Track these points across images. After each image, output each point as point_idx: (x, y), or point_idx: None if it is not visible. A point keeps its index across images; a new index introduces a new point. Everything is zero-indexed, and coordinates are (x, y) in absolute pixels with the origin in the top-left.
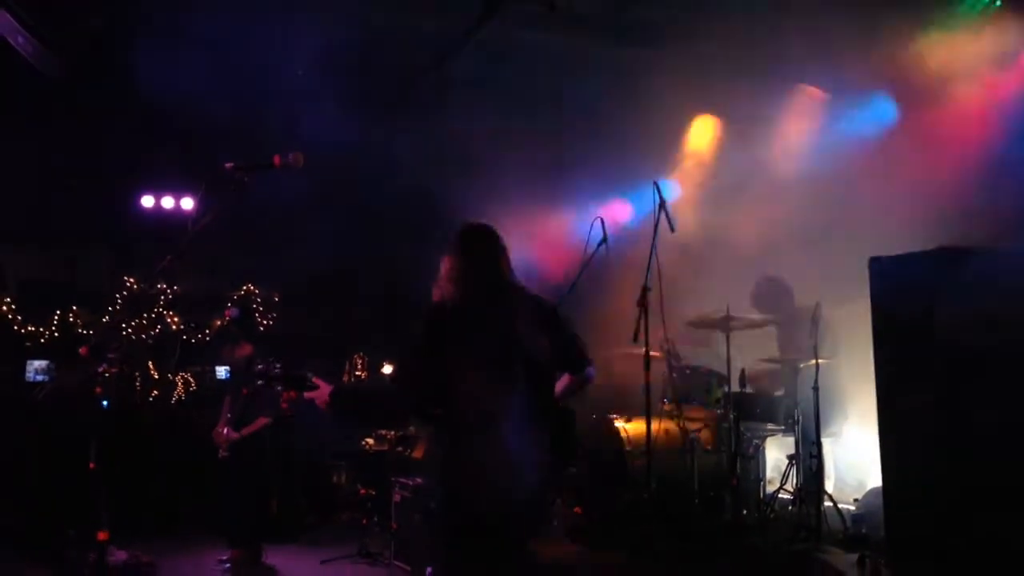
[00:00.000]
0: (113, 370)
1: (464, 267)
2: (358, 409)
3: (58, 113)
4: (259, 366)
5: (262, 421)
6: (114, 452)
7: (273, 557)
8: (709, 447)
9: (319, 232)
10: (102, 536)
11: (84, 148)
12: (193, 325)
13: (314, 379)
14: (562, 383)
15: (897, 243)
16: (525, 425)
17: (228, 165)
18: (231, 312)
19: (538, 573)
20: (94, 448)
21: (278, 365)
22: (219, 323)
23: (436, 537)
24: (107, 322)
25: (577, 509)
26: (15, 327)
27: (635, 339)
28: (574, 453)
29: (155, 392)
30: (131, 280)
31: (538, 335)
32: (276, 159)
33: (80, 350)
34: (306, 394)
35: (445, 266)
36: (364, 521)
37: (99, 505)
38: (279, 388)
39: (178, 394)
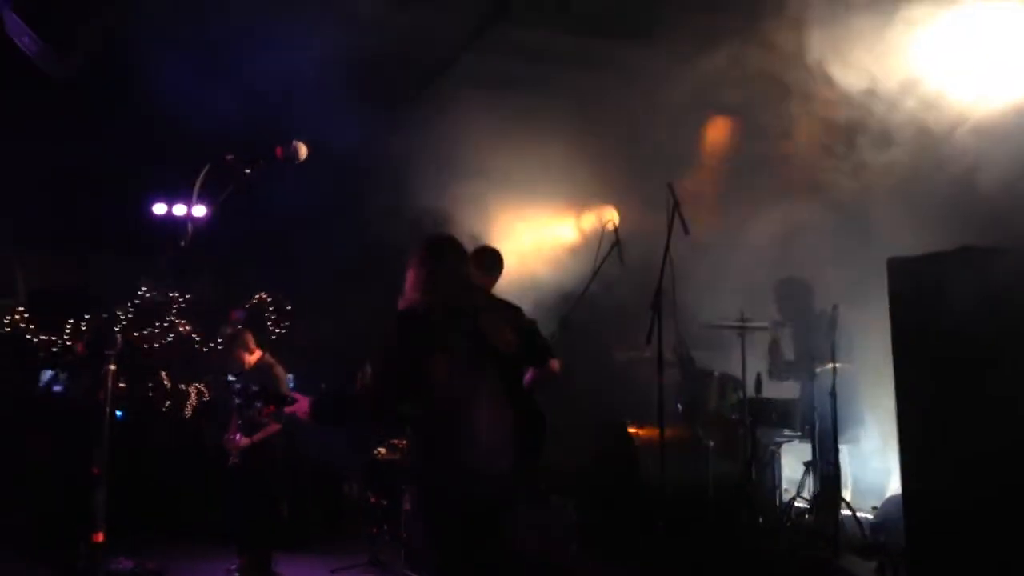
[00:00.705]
0: (113, 369)
1: (430, 275)
2: (338, 415)
3: (67, 118)
4: (237, 386)
5: (273, 428)
6: (123, 459)
7: (282, 565)
8: (724, 453)
9: (333, 240)
10: (98, 538)
11: (94, 154)
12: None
13: (293, 395)
14: (529, 377)
15: (917, 243)
16: (495, 414)
17: (228, 157)
18: (237, 315)
19: (512, 555)
20: (97, 453)
21: (254, 387)
22: (229, 330)
23: (418, 521)
24: (104, 319)
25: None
26: (27, 336)
27: (648, 340)
28: (542, 441)
29: (167, 402)
30: (144, 287)
31: (504, 331)
32: (278, 150)
33: (77, 347)
34: (287, 408)
35: (411, 276)
36: (374, 530)
37: (97, 507)
38: (258, 404)
39: (191, 404)
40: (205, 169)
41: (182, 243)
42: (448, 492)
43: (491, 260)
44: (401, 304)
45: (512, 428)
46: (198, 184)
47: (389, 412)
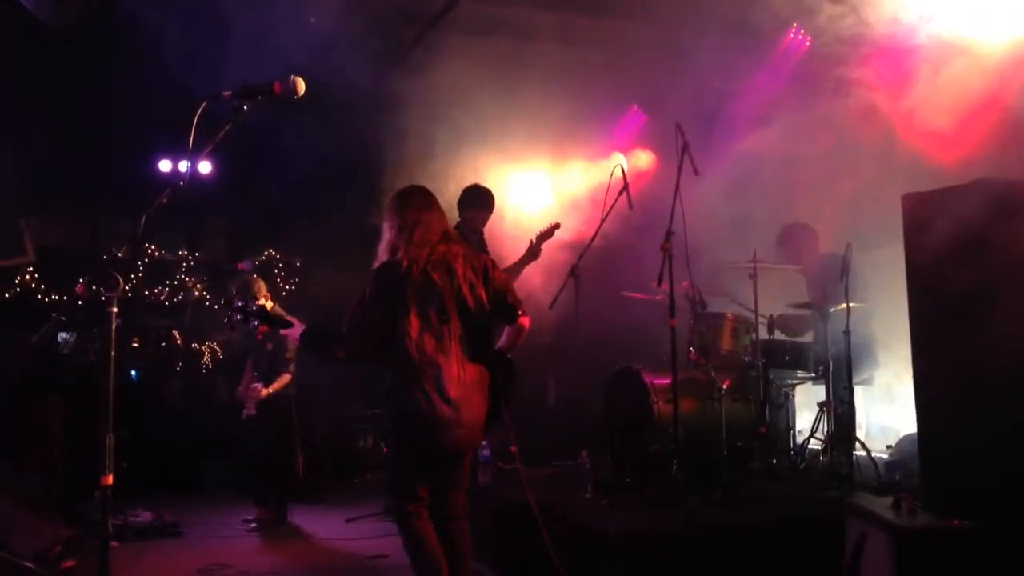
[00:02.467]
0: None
1: (403, 228)
2: (322, 348)
3: (70, 76)
4: (237, 303)
5: (284, 378)
6: (139, 417)
7: (298, 517)
8: (737, 396)
9: (342, 196)
10: (107, 480)
11: (97, 111)
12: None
13: (289, 317)
14: (504, 334)
15: (933, 178)
16: (463, 368)
17: (226, 93)
18: (245, 266)
19: (468, 475)
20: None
21: (253, 305)
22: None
23: (388, 453)
24: (103, 259)
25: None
26: (38, 295)
27: (659, 283)
28: (509, 392)
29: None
30: (152, 247)
31: (476, 286)
32: (276, 86)
33: (76, 288)
34: (282, 331)
35: (386, 228)
36: None
37: (107, 450)
38: (255, 323)
39: (205, 363)
40: (202, 106)
41: (180, 182)
42: (415, 440)
43: (483, 198)
44: (380, 255)
45: (478, 381)
46: (195, 122)
47: (364, 360)
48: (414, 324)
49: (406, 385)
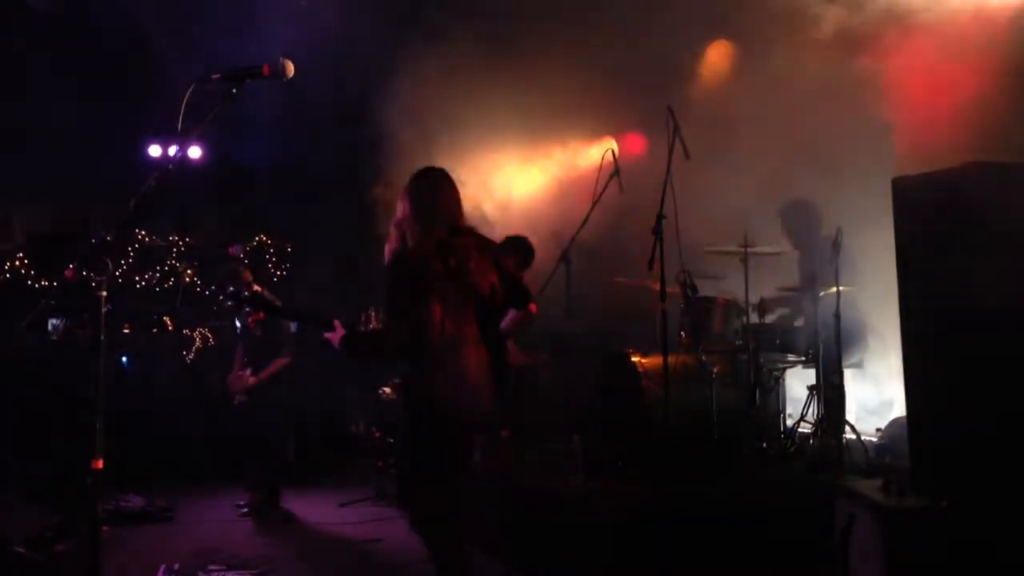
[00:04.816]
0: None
1: (419, 212)
2: (365, 351)
3: (57, 60)
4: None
5: (280, 362)
6: (131, 403)
7: (291, 502)
8: (727, 380)
9: (335, 183)
10: (97, 465)
11: (84, 96)
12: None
13: (332, 321)
14: (509, 319)
15: (923, 161)
16: (479, 355)
17: (215, 76)
18: (234, 250)
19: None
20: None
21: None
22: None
23: (407, 436)
24: (92, 244)
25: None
26: (28, 281)
27: (650, 267)
28: (506, 379)
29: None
30: (142, 232)
31: (488, 273)
32: (265, 68)
33: (65, 272)
34: (325, 334)
35: (401, 211)
36: (380, 464)
37: (96, 434)
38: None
39: (196, 348)
40: (190, 88)
41: (169, 166)
42: (437, 426)
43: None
44: (391, 241)
45: (489, 365)
46: (183, 105)
47: (406, 353)
48: (434, 311)
49: (430, 372)
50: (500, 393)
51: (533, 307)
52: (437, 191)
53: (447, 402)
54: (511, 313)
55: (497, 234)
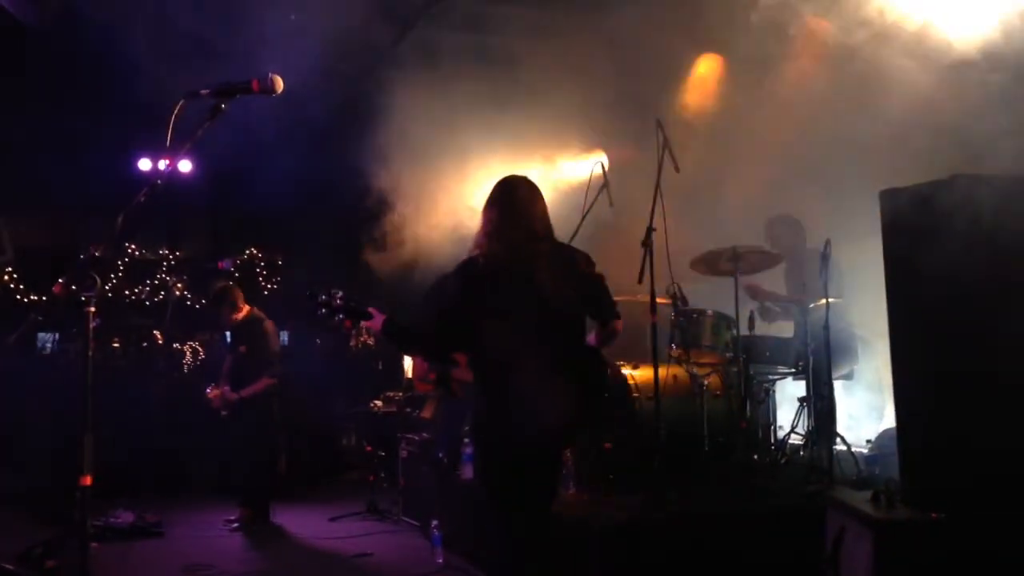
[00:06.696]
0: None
1: (497, 220)
2: (402, 342)
3: (49, 75)
4: (322, 297)
5: (266, 381)
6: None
7: (281, 516)
8: (718, 392)
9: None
10: (86, 481)
11: (74, 111)
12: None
13: (370, 309)
14: (594, 334)
15: (910, 174)
16: (546, 374)
17: (204, 91)
18: (224, 265)
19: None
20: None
21: (339, 295)
22: (218, 285)
23: (474, 452)
24: (81, 259)
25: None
26: (17, 296)
27: (640, 280)
28: (602, 395)
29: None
30: (132, 246)
31: (564, 287)
32: (255, 83)
33: (54, 288)
34: (363, 323)
35: (482, 218)
36: (371, 477)
37: (85, 451)
38: (340, 317)
39: (186, 363)
40: (179, 104)
41: (159, 180)
42: (498, 449)
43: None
44: (473, 246)
45: (564, 389)
46: (172, 120)
47: (443, 360)
48: (495, 325)
49: (489, 394)
50: (591, 407)
51: (619, 324)
52: (506, 201)
53: (501, 433)
54: (596, 328)
55: None
